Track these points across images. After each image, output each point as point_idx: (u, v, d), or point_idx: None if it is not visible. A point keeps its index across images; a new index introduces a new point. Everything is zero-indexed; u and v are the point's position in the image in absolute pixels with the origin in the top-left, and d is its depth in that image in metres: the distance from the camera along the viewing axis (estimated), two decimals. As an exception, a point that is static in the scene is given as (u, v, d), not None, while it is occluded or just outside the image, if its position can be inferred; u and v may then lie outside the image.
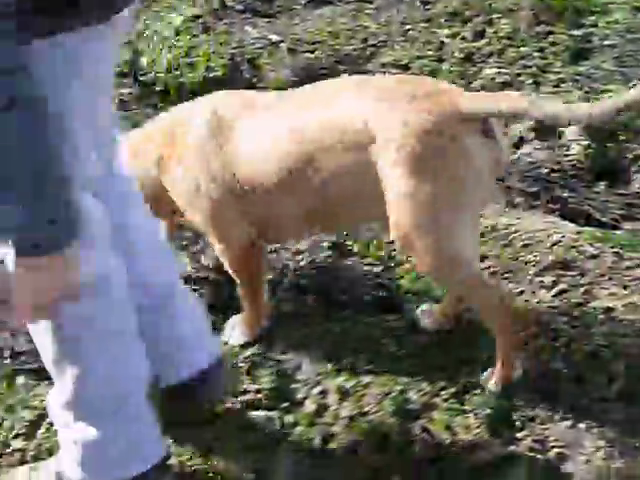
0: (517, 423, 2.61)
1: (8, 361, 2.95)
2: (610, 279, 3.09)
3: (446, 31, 4.52)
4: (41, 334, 2.21)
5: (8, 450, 2.66)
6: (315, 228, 2.81)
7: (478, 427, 2.61)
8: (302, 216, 2.68)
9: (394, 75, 3.62)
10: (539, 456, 2.53)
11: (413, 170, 2.41)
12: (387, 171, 2.45)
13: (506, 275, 3.13)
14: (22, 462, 2.60)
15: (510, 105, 2.41)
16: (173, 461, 2.52)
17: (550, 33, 4.46)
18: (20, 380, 2.87)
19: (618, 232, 3.39)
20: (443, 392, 2.72)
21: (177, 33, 4.55)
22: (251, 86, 4.05)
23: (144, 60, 4.34)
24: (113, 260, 2.22)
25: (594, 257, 3.18)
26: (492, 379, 2.69)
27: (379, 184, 2.47)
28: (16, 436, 2.70)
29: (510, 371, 2.67)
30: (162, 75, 4.26)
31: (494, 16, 4.59)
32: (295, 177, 2.58)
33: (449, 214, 2.46)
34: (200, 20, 4.68)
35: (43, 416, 2.66)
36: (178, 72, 4.27)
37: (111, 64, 2.19)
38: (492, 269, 3.16)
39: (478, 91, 3.95)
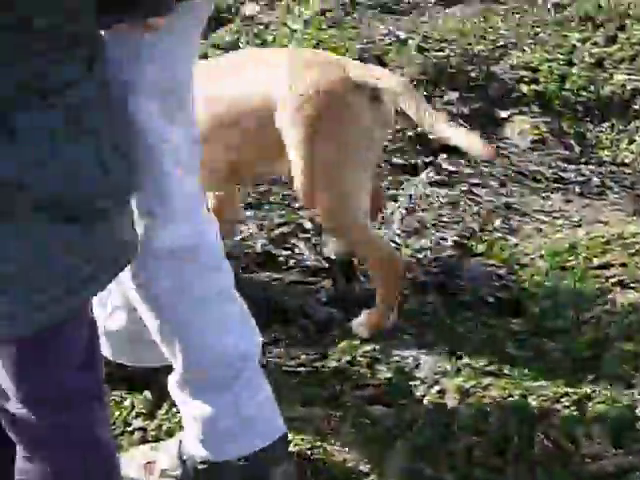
0: (640, 433, 2.58)
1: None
2: None
3: (577, 35, 4.45)
4: (145, 313, 2.27)
5: (129, 429, 2.69)
6: (238, 177, 2.99)
7: (600, 436, 2.57)
8: (226, 166, 2.86)
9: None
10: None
11: (308, 132, 2.67)
12: (286, 132, 2.70)
13: (633, 285, 3.08)
14: (143, 441, 2.62)
15: (386, 83, 2.69)
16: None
17: (685, 40, 4.38)
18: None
19: None
20: (564, 399, 2.69)
21: (306, 26, 4.57)
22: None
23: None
24: (205, 226, 2.26)
25: None
26: (363, 325, 2.91)
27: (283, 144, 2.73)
28: (137, 415, 2.73)
29: (382, 320, 2.89)
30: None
31: (627, 22, 4.52)
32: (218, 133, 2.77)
33: (341, 173, 2.72)
34: (329, 14, 4.69)
35: (164, 396, 2.62)
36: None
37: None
38: (617, 278, 3.12)
39: (610, 98, 3.92)
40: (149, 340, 2.34)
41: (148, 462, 2.46)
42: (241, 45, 4.40)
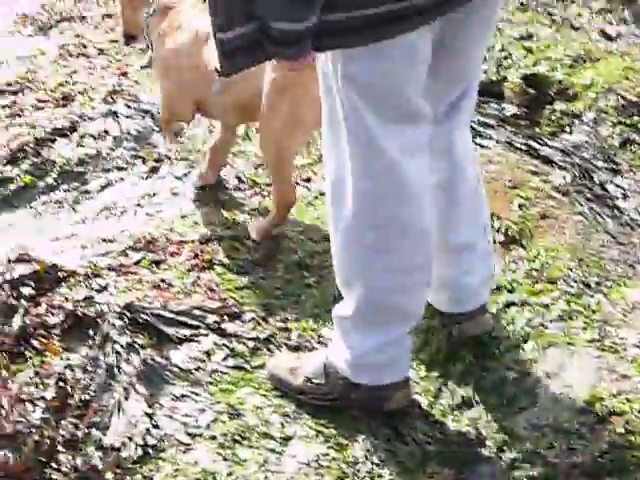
0: None
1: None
2: None
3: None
4: (336, 247, 2.77)
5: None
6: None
7: None
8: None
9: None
10: None
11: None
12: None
13: None
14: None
15: None
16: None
17: None
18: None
19: None
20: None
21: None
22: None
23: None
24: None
25: None
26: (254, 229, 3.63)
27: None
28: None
29: (270, 229, 3.61)
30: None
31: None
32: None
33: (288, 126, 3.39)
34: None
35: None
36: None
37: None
38: None
39: None
40: None
41: (293, 367, 3.01)
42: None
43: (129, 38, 3.94)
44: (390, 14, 2.37)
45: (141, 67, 4.73)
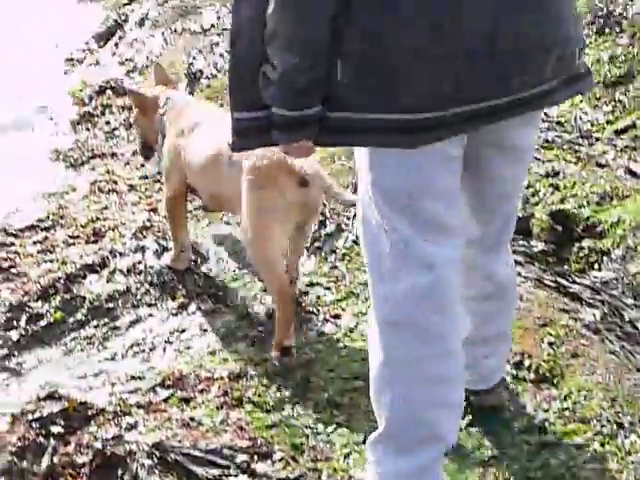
0: None
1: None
2: None
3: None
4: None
5: None
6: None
7: None
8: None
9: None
10: None
11: (246, 195, 3.59)
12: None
13: None
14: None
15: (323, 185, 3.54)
16: None
17: None
18: None
19: None
20: None
21: None
22: None
23: None
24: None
25: None
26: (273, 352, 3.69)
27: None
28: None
29: (283, 339, 3.67)
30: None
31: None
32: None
33: (261, 231, 3.60)
34: None
35: None
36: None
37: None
38: None
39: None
40: None
41: None
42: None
43: (147, 150, 4.36)
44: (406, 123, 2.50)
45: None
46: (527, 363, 3.56)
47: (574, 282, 4.05)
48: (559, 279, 4.06)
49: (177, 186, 4.12)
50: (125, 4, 7.68)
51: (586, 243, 4.25)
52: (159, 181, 4.98)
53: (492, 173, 2.82)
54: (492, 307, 3.12)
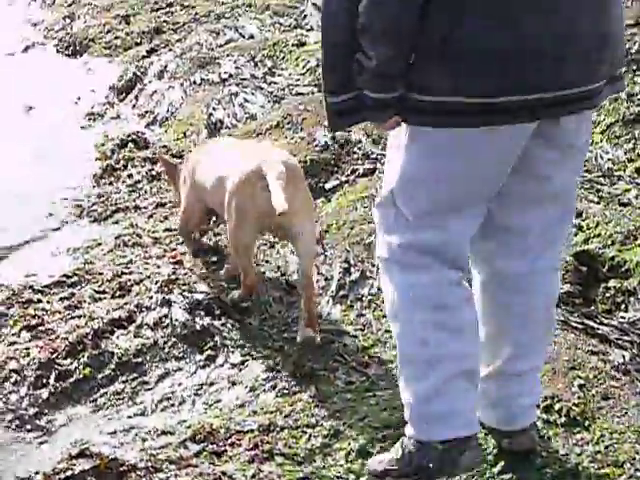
0: None
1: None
2: None
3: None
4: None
5: None
6: None
7: None
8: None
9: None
10: None
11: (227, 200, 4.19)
12: None
13: None
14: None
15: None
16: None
17: None
18: None
19: None
20: None
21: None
22: None
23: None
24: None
25: None
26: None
27: None
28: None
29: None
30: None
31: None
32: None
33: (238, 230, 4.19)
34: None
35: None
36: None
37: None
38: None
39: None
40: None
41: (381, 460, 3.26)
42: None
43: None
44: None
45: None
46: (557, 406, 3.55)
47: (601, 323, 4.04)
48: (586, 321, 4.05)
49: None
50: (144, 57, 7.75)
51: (612, 283, 4.24)
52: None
53: (540, 172, 3.01)
54: (529, 335, 3.18)
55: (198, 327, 4.25)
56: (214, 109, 6.44)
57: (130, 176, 5.85)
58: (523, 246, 3.10)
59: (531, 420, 3.33)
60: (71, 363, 4.08)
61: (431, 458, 3.03)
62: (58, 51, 8.47)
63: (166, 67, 7.30)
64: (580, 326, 4.01)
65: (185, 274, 4.66)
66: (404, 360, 3.09)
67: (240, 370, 4.02)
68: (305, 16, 7.96)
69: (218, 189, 4.30)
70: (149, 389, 3.99)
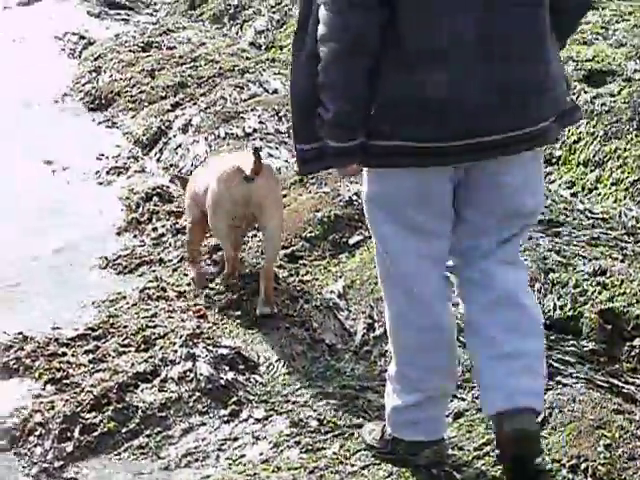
0: None
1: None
2: None
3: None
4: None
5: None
6: None
7: None
8: None
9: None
10: None
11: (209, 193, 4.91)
12: None
13: None
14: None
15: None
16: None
17: None
18: None
19: None
20: None
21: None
22: None
23: None
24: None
25: None
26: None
27: None
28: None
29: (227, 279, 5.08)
30: None
31: None
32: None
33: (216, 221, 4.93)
34: None
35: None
36: None
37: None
38: None
39: None
40: None
41: (372, 429, 3.84)
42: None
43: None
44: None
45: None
46: (583, 466, 3.54)
47: (627, 382, 4.03)
48: (611, 379, 4.04)
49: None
50: (168, 110, 7.81)
51: (637, 342, 4.24)
52: (207, 286, 5.05)
53: (480, 203, 3.38)
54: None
55: (222, 382, 4.26)
56: (238, 163, 6.48)
57: (155, 229, 5.89)
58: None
59: (527, 404, 3.38)
60: (95, 416, 4.10)
61: (401, 448, 3.66)
62: (84, 104, 8.55)
63: (190, 121, 7.36)
64: (605, 385, 4.00)
65: (209, 328, 4.68)
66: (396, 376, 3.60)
67: (264, 425, 4.03)
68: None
69: (207, 189, 4.92)
70: (173, 443, 4.00)
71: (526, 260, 4.55)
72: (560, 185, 5.74)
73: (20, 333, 4.71)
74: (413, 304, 3.46)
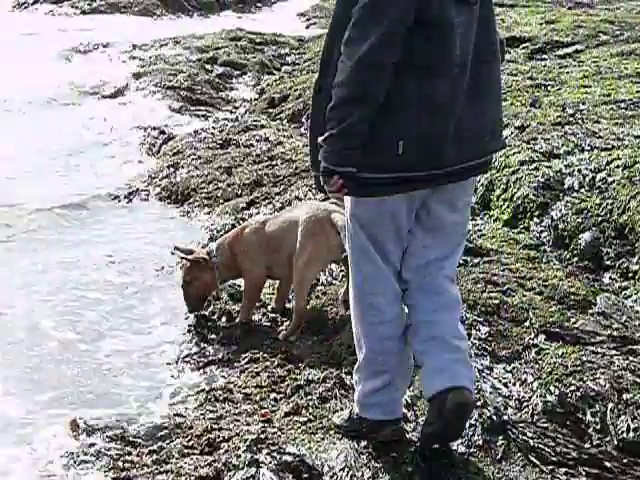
0: None
1: None
2: None
3: None
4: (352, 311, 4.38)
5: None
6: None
7: None
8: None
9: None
10: None
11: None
12: None
13: None
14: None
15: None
16: None
17: None
18: None
19: None
20: None
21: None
22: None
23: None
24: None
25: None
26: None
27: None
28: None
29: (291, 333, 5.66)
30: None
31: None
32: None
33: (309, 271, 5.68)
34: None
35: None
36: None
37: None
38: None
39: None
40: None
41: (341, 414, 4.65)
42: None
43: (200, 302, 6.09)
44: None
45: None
46: None
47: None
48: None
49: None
50: (243, 208, 7.89)
51: None
52: (274, 390, 5.02)
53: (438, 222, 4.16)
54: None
55: (284, 491, 4.21)
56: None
57: (225, 329, 5.90)
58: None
59: (465, 382, 4.15)
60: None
61: (365, 426, 4.40)
62: (160, 199, 8.68)
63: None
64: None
65: (274, 433, 4.63)
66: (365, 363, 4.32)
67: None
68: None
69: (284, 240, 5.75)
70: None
71: (599, 378, 4.47)
72: (636, 301, 5.63)
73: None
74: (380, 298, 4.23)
